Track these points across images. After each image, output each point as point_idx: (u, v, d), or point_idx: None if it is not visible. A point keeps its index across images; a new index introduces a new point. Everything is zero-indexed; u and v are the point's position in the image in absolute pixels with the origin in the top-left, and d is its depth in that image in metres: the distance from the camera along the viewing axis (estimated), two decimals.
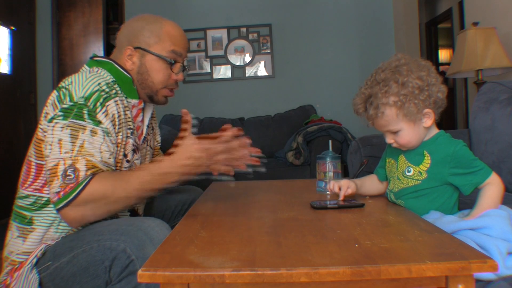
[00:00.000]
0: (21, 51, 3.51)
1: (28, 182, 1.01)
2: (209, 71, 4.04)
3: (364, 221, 0.86)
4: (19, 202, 1.02)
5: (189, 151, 0.99)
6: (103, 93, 0.98)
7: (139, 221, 0.92)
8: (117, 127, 1.01)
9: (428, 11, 5.79)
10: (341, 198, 1.04)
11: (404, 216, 0.91)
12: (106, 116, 0.97)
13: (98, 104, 0.96)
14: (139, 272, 0.60)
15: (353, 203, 1.01)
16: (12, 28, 3.35)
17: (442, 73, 4.99)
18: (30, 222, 0.99)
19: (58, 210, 0.90)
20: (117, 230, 0.90)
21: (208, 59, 4.04)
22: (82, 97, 0.95)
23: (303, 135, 3.02)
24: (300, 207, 1.02)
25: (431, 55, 5.72)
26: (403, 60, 0.95)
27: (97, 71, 1.05)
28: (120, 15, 4.01)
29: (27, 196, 1.01)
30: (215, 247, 0.70)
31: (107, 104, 0.98)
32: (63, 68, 3.81)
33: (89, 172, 0.91)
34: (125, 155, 1.06)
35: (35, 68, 3.76)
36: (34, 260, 0.95)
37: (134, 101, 1.11)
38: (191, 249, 0.70)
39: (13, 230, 1.01)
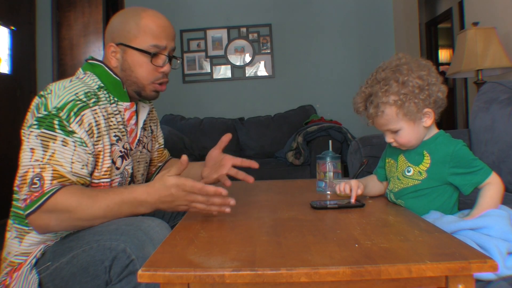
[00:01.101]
0: (21, 51, 3.51)
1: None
2: (209, 71, 4.04)
3: (364, 221, 0.86)
4: (16, 202, 1.01)
5: (169, 190, 0.90)
6: (78, 102, 0.96)
7: (139, 221, 0.92)
8: (95, 136, 0.99)
9: (428, 11, 5.79)
10: (353, 199, 1.02)
11: (404, 216, 0.91)
12: (80, 125, 0.95)
13: (72, 114, 0.95)
14: (139, 272, 0.60)
15: (353, 203, 1.01)
16: (12, 28, 3.35)
17: (442, 73, 4.98)
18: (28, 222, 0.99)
19: (26, 216, 0.90)
20: (117, 230, 0.89)
21: (208, 59, 4.04)
22: (55, 107, 0.94)
23: (303, 135, 3.02)
24: (300, 207, 1.02)
25: (431, 55, 5.72)
26: (403, 59, 0.95)
27: (82, 78, 1.04)
28: None
29: None
30: (215, 247, 0.70)
31: (82, 113, 0.96)
32: (63, 68, 3.81)
33: (55, 181, 0.90)
34: (113, 162, 1.04)
35: (35, 68, 3.76)
36: (34, 261, 0.95)
37: (126, 104, 1.09)
38: (191, 249, 0.70)
39: (12, 230, 1.01)
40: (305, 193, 1.24)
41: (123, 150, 1.08)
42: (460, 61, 2.42)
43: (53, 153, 0.92)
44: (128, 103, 1.10)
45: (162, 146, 1.37)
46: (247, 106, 4.00)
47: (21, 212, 1.00)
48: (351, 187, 1.04)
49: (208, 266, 0.62)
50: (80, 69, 1.10)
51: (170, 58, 1.11)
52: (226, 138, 1.16)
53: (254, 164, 1.14)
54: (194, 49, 4.03)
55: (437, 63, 5.73)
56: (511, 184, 1.43)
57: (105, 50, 1.11)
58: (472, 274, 0.61)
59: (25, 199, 0.90)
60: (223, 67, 4.05)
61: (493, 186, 0.90)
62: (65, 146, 0.93)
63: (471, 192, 0.93)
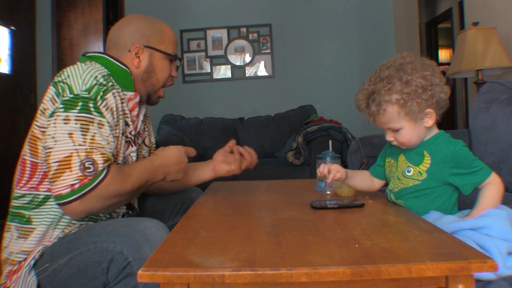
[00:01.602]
0: (21, 51, 3.51)
1: (23, 181, 1.00)
2: (209, 71, 4.04)
3: (364, 221, 0.86)
4: (15, 203, 1.00)
5: (178, 154, 1.12)
6: (101, 85, 0.99)
7: (136, 222, 0.92)
8: (115, 120, 1.02)
9: (428, 11, 5.79)
10: (329, 180, 1.04)
11: (404, 216, 0.91)
12: (107, 109, 0.98)
13: (99, 97, 0.97)
14: (139, 272, 0.60)
15: (353, 203, 1.01)
16: (12, 28, 3.35)
17: (442, 73, 4.98)
18: (28, 221, 0.98)
19: (68, 203, 0.89)
20: (114, 232, 0.89)
21: (208, 59, 4.04)
22: (85, 90, 0.95)
23: (303, 135, 3.02)
24: (300, 207, 1.02)
25: (431, 55, 5.71)
26: (408, 58, 0.94)
27: (91, 64, 1.05)
28: (120, 15, 4.01)
29: (23, 196, 1.00)
30: (215, 247, 0.70)
31: (106, 97, 0.98)
32: (63, 68, 3.80)
33: (105, 164, 0.93)
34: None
35: (35, 68, 3.75)
36: (32, 262, 0.94)
37: (130, 94, 1.11)
38: (191, 249, 0.70)
39: (12, 231, 0.99)
40: (305, 193, 1.24)
41: (129, 135, 1.11)
42: (460, 61, 2.42)
43: (93, 136, 0.93)
44: (133, 93, 1.12)
45: (154, 145, 1.37)
46: (247, 106, 4.00)
47: (20, 211, 0.99)
48: (330, 170, 1.04)
49: (208, 266, 0.62)
50: (78, 63, 1.09)
51: (177, 66, 1.24)
52: (232, 143, 1.30)
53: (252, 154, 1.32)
54: (194, 49, 4.03)
55: (437, 63, 5.70)
56: (511, 184, 1.43)
57: (116, 50, 1.12)
58: (472, 274, 0.61)
59: (72, 184, 0.88)
60: (223, 67, 4.05)
61: (493, 186, 0.90)
62: (101, 128, 0.96)
63: (471, 192, 0.93)
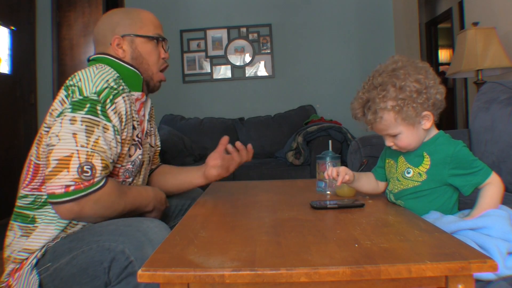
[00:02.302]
0: (21, 51, 3.51)
1: (26, 182, 1.01)
2: (209, 71, 4.04)
3: (364, 221, 0.86)
4: (19, 202, 1.01)
5: (164, 196, 1.17)
6: (112, 89, 0.99)
7: (138, 222, 0.92)
8: (123, 124, 1.02)
9: (428, 11, 5.79)
10: (338, 183, 1.03)
11: (404, 216, 0.91)
12: (115, 113, 0.98)
13: (108, 101, 0.97)
14: (139, 272, 0.60)
15: (353, 203, 1.01)
16: (12, 28, 3.35)
17: (442, 73, 4.99)
18: (33, 220, 0.99)
19: (60, 203, 0.89)
20: (116, 231, 0.89)
21: (208, 59, 4.04)
22: (94, 93, 0.96)
23: (303, 135, 3.02)
24: (300, 207, 1.02)
25: (431, 55, 5.72)
26: (400, 62, 0.93)
27: (103, 68, 1.05)
28: None
29: (26, 196, 1.00)
30: (215, 247, 0.70)
31: (116, 101, 0.99)
32: (63, 68, 3.81)
33: (103, 172, 0.93)
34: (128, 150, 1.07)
35: (35, 68, 3.76)
36: (34, 261, 0.95)
37: (138, 94, 1.12)
38: (191, 249, 0.70)
39: (15, 230, 1.00)
40: (305, 193, 1.24)
41: (136, 139, 1.10)
42: (460, 61, 2.42)
43: (97, 139, 0.93)
44: (140, 93, 1.13)
45: (159, 148, 1.37)
46: (247, 106, 4.00)
47: (24, 211, 0.99)
48: (339, 172, 1.03)
49: (208, 266, 0.62)
50: (89, 67, 1.08)
51: (168, 47, 1.21)
52: (224, 141, 1.19)
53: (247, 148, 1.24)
54: (194, 49, 4.03)
55: (437, 63, 5.73)
56: (511, 184, 1.43)
57: (105, 44, 1.13)
58: (472, 274, 0.61)
59: (67, 185, 0.88)
60: (223, 67, 4.05)
61: (493, 186, 0.90)
62: (106, 132, 0.96)
63: (471, 193, 0.93)
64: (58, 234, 0.99)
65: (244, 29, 4.02)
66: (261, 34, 4.02)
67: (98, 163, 0.91)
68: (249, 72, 4.05)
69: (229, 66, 4.04)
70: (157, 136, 1.36)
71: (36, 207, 0.99)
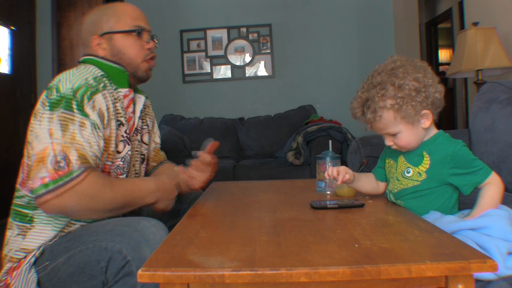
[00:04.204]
0: (21, 51, 3.51)
1: (21, 182, 1.02)
2: (209, 71, 4.04)
3: (364, 221, 0.86)
4: (17, 201, 1.02)
5: (172, 185, 1.11)
6: (90, 86, 0.99)
7: (135, 222, 0.92)
8: (105, 121, 1.02)
9: (428, 11, 5.79)
10: (339, 182, 1.03)
11: (404, 216, 0.91)
12: (93, 109, 0.98)
13: (85, 97, 0.97)
14: (139, 272, 0.60)
15: (353, 203, 1.01)
16: (12, 28, 3.35)
17: (442, 73, 4.98)
18: (30, 220, 0.99)
19: (39, 196, 0.88)
20: (113, 231, 0.89)
21: (208, 59, 4.04)
22: (70, 89, 0.97)
23: (303, 135, 3.02)
24: (300, 207, 1.02)
25: (431, 55, 5.72)
26: (398, 62, 0.94)
27: (84, 68, 1.07)
28: None
29: (23, 196, 1.01)
30: (215, 247, 0.70)
31: (94, 97, 0.99)
32: (63, 68, 3.81)
33: (79, 162, 0.91)
34: (115, 146, 1.07)
35: (35, 68, 3.76)
36: (32, 260, 0.95)
37: (125, 90, 1.12)
38: (191, 249, 0.70)
39: (14, 228, 1.01)
40: (305, 193, 1.24)
41: (125, 135, 1.10)
42: (460, 61, 2.42)
43: (72, 133, 0.93)
44: (127, 89, 1.12)
45: (159, 145, 1.37)
46: (247, 106, 4.00)
47: (23, 210, 1.00)
48: (339, 172, 1.04)
49: (208, 266, 0.62)
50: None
51: (152, 36, 1.18)
52: (214, 146, 1.19)
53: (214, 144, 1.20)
54: (194, 49, 4.03)
55: (437, 63, 5.73)
56: (511, 184, 1.43)
57: (88, 46, 1.14)
58: (472, 274, 0.61)
59: (42, 178, 0.88)
60: (223, 67, 4.05)
61: (493, 186, 0.90)
62: (82, 127, 0.95)
63: (471, 192, 0.93)
64: (56, 235, 0.99)
65: (244, 29, 4.02)
66: (261, 34, 4.02)
67: (73, 154, 0.91)
68: (249, 72, 4.05)
69: (229, 66, 4.04)
70: (156, 133, 1.35)
71: (33, 206, 0.99)
